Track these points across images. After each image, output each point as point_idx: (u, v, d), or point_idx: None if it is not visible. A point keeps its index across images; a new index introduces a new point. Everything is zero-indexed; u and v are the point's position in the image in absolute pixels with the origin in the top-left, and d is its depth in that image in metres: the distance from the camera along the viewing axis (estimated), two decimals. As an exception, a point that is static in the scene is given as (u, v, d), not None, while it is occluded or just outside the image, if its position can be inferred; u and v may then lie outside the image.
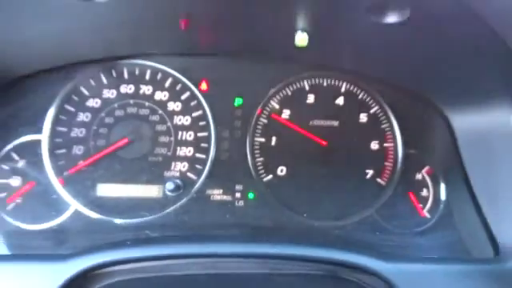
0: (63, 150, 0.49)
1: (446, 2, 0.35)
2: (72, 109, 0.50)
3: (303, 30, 0.43)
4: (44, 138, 0.48)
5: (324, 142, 0.53)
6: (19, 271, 0.39)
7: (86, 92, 0.50)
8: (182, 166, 0.51)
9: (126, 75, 0.51)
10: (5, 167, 0.48)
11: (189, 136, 0.52)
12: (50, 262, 0.39)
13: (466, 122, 0.51)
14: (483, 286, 0.41)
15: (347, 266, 0.42)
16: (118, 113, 0.51)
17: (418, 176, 0.54)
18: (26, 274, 0.39)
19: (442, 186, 0.53)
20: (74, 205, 0.48)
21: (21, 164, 0.48)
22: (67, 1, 0.38)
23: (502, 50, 0.39)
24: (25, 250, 0.44)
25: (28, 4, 0.37)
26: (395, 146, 0.54)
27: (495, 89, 0.45)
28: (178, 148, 0.52)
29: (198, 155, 0.51)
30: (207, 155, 0.51)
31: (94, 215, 0.48)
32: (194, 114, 0.52)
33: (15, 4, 0.36)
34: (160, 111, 0.52)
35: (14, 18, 0.38)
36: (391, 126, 0.54)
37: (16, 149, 0.49)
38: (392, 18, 0.39)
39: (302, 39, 0.44)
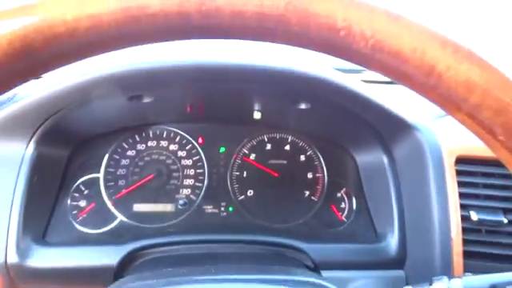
0: (112, 183, 0.76)
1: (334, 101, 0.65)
2: (117, 157, 0.78)
3: (258, 111, 0.73)
4: (101, 175, 0.76)
5: (276, 174, 0.80)
6: (91, 251, 0.65)
7: (126, 146, 0.78)
8: (186, 191, 0.78)
9: (150, 135, 0.80)
10: (76, 195, 0.74)
11: (191, 172, 0.79)
12: (111, 245, 0.66)
13: (363, 158, 0.79)
14: (367, 257, 0.69)
15: (286, 247, 0.69)
16: (146, 158, 0.78)
17: (338, 195, 0.81)
18: (96, 253, 0.65)
19: (353, 201, 0.80)
20: (119, 217, 0.75)
21: (86, 192, 0.76)
22: (120, 102, 0.67)
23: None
24: (92, 243, 0.71)
25: (96, 104, 0.66)
26: (323, 176, 0.82)
27: (371, 140, 0.74)
28: (184, 180, 0.79)
29: (197, 184, 0.79)
30: (203, 184, 0.79)
31: (132, 223, 0.75)
32: (194, 158, 0.80)
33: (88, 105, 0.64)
34: (172, 157, 0.79)
35: (87, 111, 0.67)
36: (320, 162, 0.82)
37: (83, 183, 0.75)
38: (303, 106, 0.69)
39: (257, 115, 0.74)
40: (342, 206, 0.79)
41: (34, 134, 0.63)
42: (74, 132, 0.70)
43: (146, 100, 0.66)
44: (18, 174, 0.62)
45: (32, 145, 0.63)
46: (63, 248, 0.64)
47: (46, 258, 0.61)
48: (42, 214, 0.67)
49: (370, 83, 0.69)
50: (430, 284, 0.43)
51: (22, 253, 0.60)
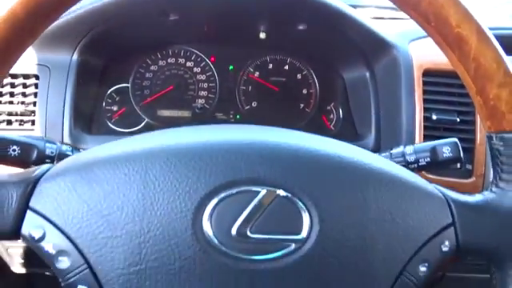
0: (139, 92, 0.90)
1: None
2: (143, 71, 0.91)
3: (263, 32, 0.86)
4: (129, 85, 0.90)
5: (276, 89, 0.95)
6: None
7: (149, 62, 0.92)
8: (201, 101, 0.92)
9: (170, 53, 0.92)
10: (109, 100, 0.89)
11: (205, 85, 0.93)
12: None
13: (349, 75, 0.93)
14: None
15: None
16: (167, 73, 0.91)
17: (328, 107, 0.96)
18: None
19: (340, 112, 0.96)
20: (146, 119, 0.89)
21: (117, 99, 0.90)
22: (149, 20, 0.80)
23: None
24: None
25: (130, 20, 0.78)
26: (315, 91, 0.96)
27: (357, 59, 0.88)
28: (199, 92, 0.93)
29: (210, 95, 0.93)
30: (215, 95, 0.93)
31: (156, 124, 0.90)
32: (207, 74, 0.93)
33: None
34: (189, 72, 0.93)
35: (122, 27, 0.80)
36: (313, 80, 0.96)
37: (115, 91, 0.90)
38: (301, 27, 0.82)
39: (262, 35, 0.87)
40: (331, 116, 0.95)
41: (79, 43, 0.76)
42: (110, 44, 0.84)
43: (172, 17, 0.79)
44: (68, 77, 0.76)
45: (77, 53, 0.77)
46: (104, 136, 0.79)
47: (91, 143, 0.77)
48: (86, 112, 0.82)
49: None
50: (391, 149, 0.59)
51: (74, 139, 0.75)
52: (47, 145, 0.48)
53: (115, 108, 0.88)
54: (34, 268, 0.87)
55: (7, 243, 0.80)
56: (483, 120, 0.41)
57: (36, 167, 0.38)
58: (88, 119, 0.83)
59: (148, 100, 0.89)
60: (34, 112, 0.74)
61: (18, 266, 0.86)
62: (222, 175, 0.36)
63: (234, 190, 0.36)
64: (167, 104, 0.90)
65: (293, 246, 0.36)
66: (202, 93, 0.92)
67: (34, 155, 0.47)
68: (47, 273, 0.93)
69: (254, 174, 0.36)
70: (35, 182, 0.36)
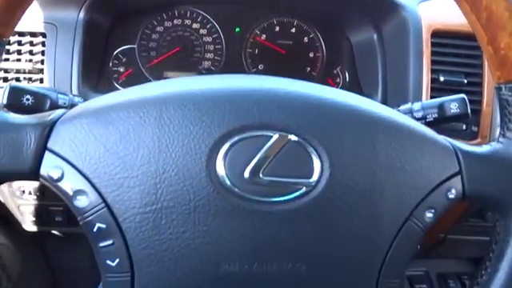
0: (145, 53, 0.90)
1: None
2: (149, 32, 0.90)
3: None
4: (136, 46, 0.89)
5: (283, 52, 0.95)
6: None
7: (155, 23, 0.91)
8: (207, 63, 0.92)
9: (176, 14, 0.92)
10: (116, 61, 0.89)
11: (211, 47, 0.93)
12: None
13: (356, 38, 0.93)
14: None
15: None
16: (173, 34, 0.90)
17: (335, 71, 0.96)
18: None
19: (347, 76, 0.96)
20: (152, 81, 0.90)
21: (124, 60, 0.90)
22: None
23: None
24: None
25: None
26: (322, 55, 0.96)
27: (364, 22, 0.87)
28: (205, 54, 0.93)
29: (216, 58, 0.92)
30: (221, 58, 0.92)
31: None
32: (214, 36, 0.93)
33: None
34: (195, 34, 0.92)
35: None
36: (320, 44, 0.96)
37: (121, 52, 0.89)
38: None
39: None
40: (337, 80, 0.95)
41: (85, 1, 0.76)
42: (116, 4, 0.83)
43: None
44: (75, 36, 0.75)
45: (83, 11, 0.76)
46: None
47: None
48: (93, 72, 0.82)
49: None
50: (398, 106, 0.59)
51: (82, 97, 0.75)
52: (59, 95, 0.49)
53: (122, 69, 0.88)
54: (44, 226, 0.89)
55: (18, 201, 0.82)
56: (493, 70, 0.42)
57: (51, 112, 0.39)
58: (95, 79, 0.83)
59: (154, 62, 0.89)
60: (42, 70, 0.74)
61: (29, 224, 0.88)
62: (236, 119, 0.37)
63: (247, 134, 0.37)
64: (173, 66, 0.90)
65: (304, 189, 0.37)
66: (209, 55, 0.92)
67: (47, 105, 0.47)
68: (56, 232, 0.96)
69: (266, 119, 0.37)
70: (52, 125, 0.36)
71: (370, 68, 0.87)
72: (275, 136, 0.37)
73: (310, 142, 0.37)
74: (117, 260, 0.36)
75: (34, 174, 0.36)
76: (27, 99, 0.46)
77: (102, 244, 0.36)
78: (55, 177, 0.36)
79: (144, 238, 0.36)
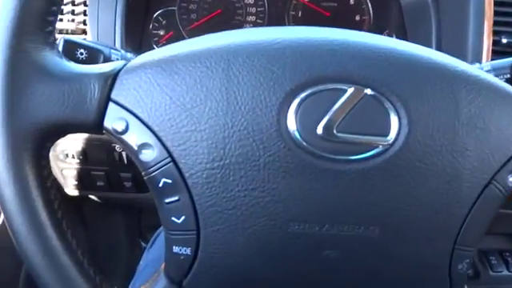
0: (185, 16, 0.87)
1: None
2: (189, -6, 0.88)
3: None
4: (176, 8, 0.87)
5: (327, 14, 0.90)
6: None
7: (195, -15, 0.88)
8: (249, 26, 0.89)
9: (217, -25, 0.89)
10: (156, 24, 0.87)
11: (253, 10, 0.89)
12: None
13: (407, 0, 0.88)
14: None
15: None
16: None
17: (382, 35, 0.92)
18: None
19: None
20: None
21: (164, 23, 0.87)
22: None
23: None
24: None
25: None
26: (369, 18, 0.91)
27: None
28: (247, 17, 0.90)
29: (258, 21, 0.89)
30: (263, 21, 0.89)
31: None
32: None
33: None
34: (236, -4, 0.90)
35: None
36: (367, 6, 0.91)
37: (161, 14, 0.87)
38: None
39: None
40: (385, 45, 0.90)
41: (127, -40, 0.73)
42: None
43: None
44: None
45: (125, -29, 0.74)
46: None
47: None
48: (135, 34, 0.80)
49: None
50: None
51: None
52: (112, 51, 0.47)
53: (162, 32, 0.85)
54: (85, 191, 0.90)
55: (61, 164, 0.82)
56: None
57: (110, 63, 0.37)
58: (137, 42, 0.81)
59: (195, 24, 0.86)
60: (84, 31, 0.73)
61: (70, 188, 0.88)
62: (309, 71, 0.34)
63: (321, 87, 0.34)
64: (214, 29, 0.86)
65: (380, 147, 0.34)
66: (250, 18, 0.88)
67: (101, 60, 0.46)
68: (94, 197, 0.96)
69: (341, 72, 0.34)
70: (115, 75, 0.35)
71: (421, 31, 0.82)
72: (350, 89, 0.34)
73: (387, 97, 0.34)
74: (182, 217, 0.35)
75: (97, 126, 0.34)
76: (81, 53, 0.44)
77: (167, 200, 0.35)
78: (119, 129, 0.34)
79: (211, 194, 0.34)
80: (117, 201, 1.10)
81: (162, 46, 0.85)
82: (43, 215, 0.33)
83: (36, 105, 0.32)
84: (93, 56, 0.45)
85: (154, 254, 0.57)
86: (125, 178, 0.85)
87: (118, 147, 0.79)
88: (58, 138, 0.36)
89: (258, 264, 0.36)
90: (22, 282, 0.77)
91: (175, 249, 0.36)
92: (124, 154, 0.81)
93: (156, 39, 0.85)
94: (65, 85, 0.33)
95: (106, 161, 0.82)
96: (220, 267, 0.36)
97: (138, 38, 0.81)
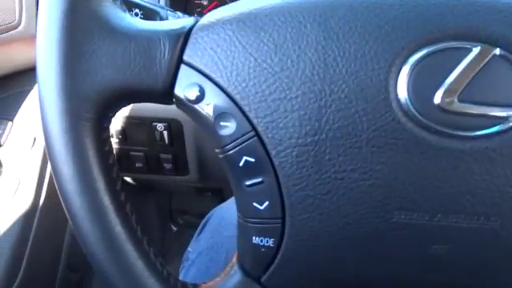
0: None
1: None
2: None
3: None
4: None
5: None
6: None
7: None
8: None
9: None
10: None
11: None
12: None
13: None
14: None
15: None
16: None
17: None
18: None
19: None
20: None
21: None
22: None
23: None
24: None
25: None
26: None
27: None
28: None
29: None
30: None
31: None
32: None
33: None
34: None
35: None
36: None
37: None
38: None
39: None
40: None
41: None
42: None
43: None
44: None
45: None
46: None
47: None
48: (179, 3, 0.75)
49: None
50: None
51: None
52: (169, 12, 0.42)
53: (206, 2, 0.80)
54: (122, 172, 0.86)
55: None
56: None
57: (178, 20, 0.31)
58: (182, 11, 0.76)
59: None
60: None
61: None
62: (424, 27, 0.28)
63: (440, 46, 0.28)
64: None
65: (510, 121, 0.28)
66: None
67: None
68: (130, 179, 0.93)
69: (465, 27, 0.28)
70: (188, 32, 0.29)
71: None
72: (475, 49, 0.28)
73: None
74: (266, 203, 0.29)
75: (166, 93, 0.29)
76: (136, 14, 0.39)
77: (248, 182, 0.29)
78: (193, 97, 0.28)
79: (301, 176, 0.28)
80: (151, 183, 1.07)
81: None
82: (105, 197, 0.28)
83: (98, 66, 0.27)
84: (148, 17, 0.40)
85: (206, 241, 0.52)
86: (165, 159, 0.81)
87: (158, 126, 0.75)
88: (121, 107, 0.30)
89: (352, 260, 0.30)
90: (63, 267, 0.74)
91: (255, 239, 0.30)
92: (165, 133, 0.76)
93: (199, 10, 0.79)
94: (131, 43, 0.28)
95: (146, 141, 0.78)
96: (307, 263, 0.31)
97: (182, 6, 0.76)
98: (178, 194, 1.18)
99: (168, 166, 0.82)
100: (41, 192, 0.67)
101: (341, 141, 0.28)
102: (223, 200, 1.14)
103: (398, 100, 0.27)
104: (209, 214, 0.60)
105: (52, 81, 0.26)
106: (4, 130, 0.64)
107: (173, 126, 0.74)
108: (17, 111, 0.66)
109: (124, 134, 0.76)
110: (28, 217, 0.63)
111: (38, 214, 0.65)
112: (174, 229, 1.27)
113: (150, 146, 0.78)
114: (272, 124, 0.28)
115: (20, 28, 0.58)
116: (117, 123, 0.75)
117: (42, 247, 0.66)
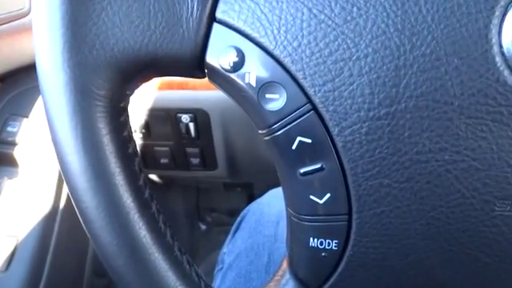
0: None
1: None
2: None
3: None
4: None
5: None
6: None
7: None
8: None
9: None
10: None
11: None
12: None
13: None
14: None
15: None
16: None
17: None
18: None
19: None
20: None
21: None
22: None
23: None
24: None
25: None
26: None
27: None
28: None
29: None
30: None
31: None
32: None
33: None
34: None
35: None
36: None
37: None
38: None
39: None
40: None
41: None
42: None
43: None
44: None
45: None
46: None
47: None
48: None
49: None
50: None
51: None
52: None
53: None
54: (146, 169, 0.81)
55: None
56: None
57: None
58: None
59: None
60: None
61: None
62: None
63: None
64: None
65: None
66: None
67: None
68: (154, 177, 0.88)
69: None
70: None
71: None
72: None
73: None
74: (327, 195, 0.23)
75: (197, 61, 0.23)
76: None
77: (302, 170, 0.23)
78: (229, 64, 0.22)
79: (373, 160, 0.22)
80: (177, 180, 1.02)
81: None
82: (126, 194, 0.23)
83: (111, 28, 0.21)
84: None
85: (244, 241, 0.46)
86: (192, 153, 0.76)
87: (184, 118, 0.69)
88: (140, 83, 0.24)
89: (439, 264, 0.24)
90: (88, 272, 0.70)
91: (313, 242, 0.24)
92: (191, 125, 0.70)
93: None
94: None
95: (171, 134, 0.72)
96: (379, 270, 0.24)
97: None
98: (206, 191, 1.13)
99: (195, 160, 0.76)
100: (61, 193, 0.63)
101: (425, 111, 0.21)
102: (253, 196, 1.08)
103: (503, 54, 0.21)
104: (244, 211, 0.54)
105: (52, 49, 0.21)
106: (19, 127, 0.59)
107: (199, 116, 0.68)
108: (32, 107, 0.62)
109: (147, 127, 0.71)
110: (48, 220, 0.59)
111: (59, 218, 0.60)
112: (203, 227, 1.22)
113: (176, 140, 0.73)
114: (334, 93, 0.22)
115: (31, 15, 0.53)
116: (139, 116, 0.70)
117: (65, 252, 0.62)
